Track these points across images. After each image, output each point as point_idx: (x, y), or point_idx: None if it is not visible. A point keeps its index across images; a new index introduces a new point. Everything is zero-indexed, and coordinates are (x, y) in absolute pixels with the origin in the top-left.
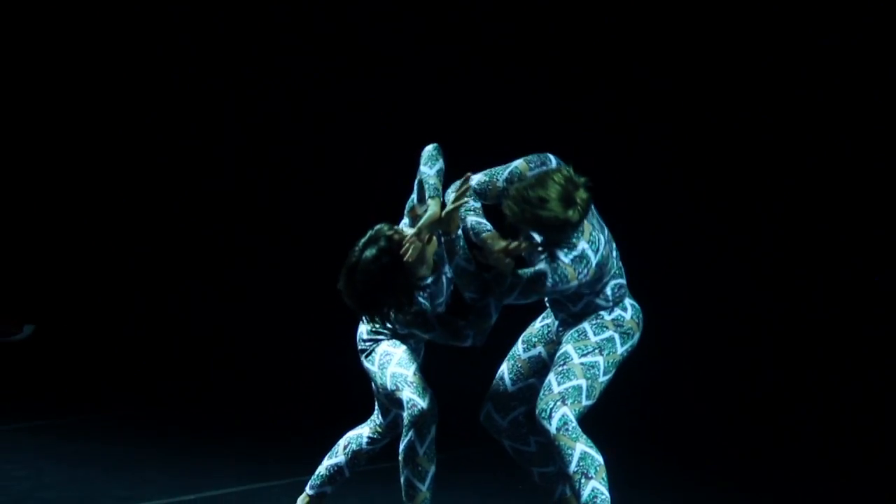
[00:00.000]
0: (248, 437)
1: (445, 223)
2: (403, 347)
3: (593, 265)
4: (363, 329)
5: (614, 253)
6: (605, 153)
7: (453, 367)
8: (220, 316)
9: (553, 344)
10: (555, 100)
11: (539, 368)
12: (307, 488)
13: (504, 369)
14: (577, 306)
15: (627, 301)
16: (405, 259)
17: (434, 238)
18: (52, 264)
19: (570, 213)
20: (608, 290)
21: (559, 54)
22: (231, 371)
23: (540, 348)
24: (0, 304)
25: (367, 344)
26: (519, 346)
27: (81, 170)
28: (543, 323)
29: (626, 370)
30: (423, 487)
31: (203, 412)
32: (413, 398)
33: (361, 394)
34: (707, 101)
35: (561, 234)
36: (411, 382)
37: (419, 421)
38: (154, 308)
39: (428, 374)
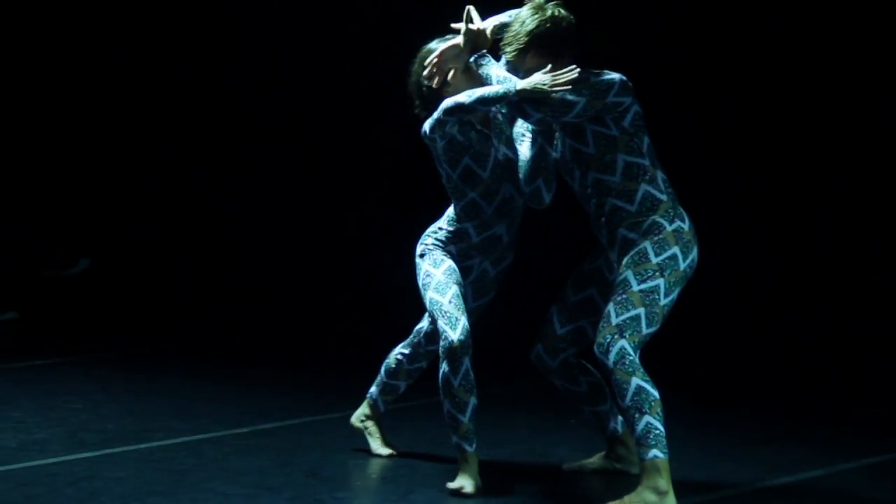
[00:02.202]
0: (302, 369)
1: (474, 38)
2: (444, 266)
3: (623, 77)
4: (422, 238)
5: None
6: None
7: (507, 300)
8: (278, 248)
9: (606, 284)
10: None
11: (589, 310)
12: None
13: (553, 311)
14: (635, 198)
15: (682, 210)
16: (424, 73)
17: (464, 73)
18: (107, 198)
19: (550, 12)
20: (660, 180)
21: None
22: (287, 304)
23: (592, 290)
24: (55, 239)
25: (420, 250)
26: (569, 289)
27: (135, 106)
28: (595, 264)
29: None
30: (465, 419)
31: (258, 345)
32: (445, 329)
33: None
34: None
35: (560, 39)
36: (445, 312)
37: (451, 353)
38: (209, 241)
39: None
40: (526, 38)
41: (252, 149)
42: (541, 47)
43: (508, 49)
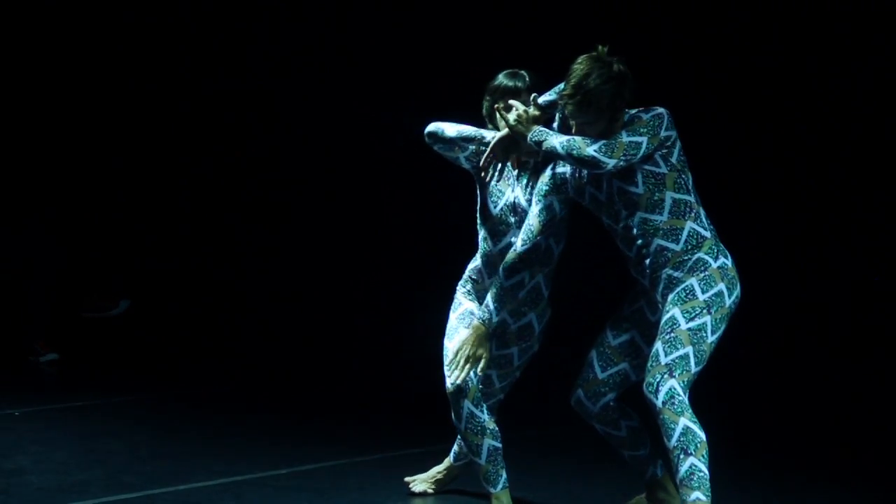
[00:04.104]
0: (338, 412)
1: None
2: (460, 310)
3: (666, 110)
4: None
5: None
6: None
7: (543, 345)
8: (309, 294)
9: (649, 326)
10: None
11: (630, 352)
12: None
13: (593, 355)
14: (681, 237)
15: (723, 246)
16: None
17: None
18: (148, 240)
19: (615, 67)
20: (703, 216)
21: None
22: (324, 345)
23: (633, 333)
24: (96, 280)
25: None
26: (608, 333)
27: (174, 147)
28: (635, 306)
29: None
30: (481, 461)
31: (294, 388)
32: (446, 373)
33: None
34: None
35: (622, 97)
36: (448, 357)
37: (449, 397)
38: (249, 283)
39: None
40: (594, 94)
41: (285, 192)
42: (605, 103)
43: (570, 102)
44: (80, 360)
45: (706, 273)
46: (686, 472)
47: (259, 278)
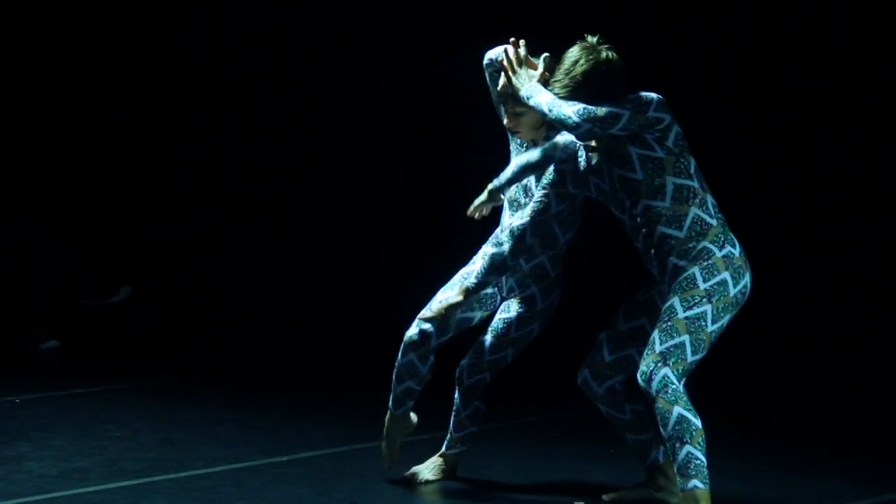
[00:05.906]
0: (339, 399)
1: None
2: (468, 268)
3: (660, 96)
4: None
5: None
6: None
7: (552, 333)
8: (317, 276)
9: (658, 314)
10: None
11: (639, 338)
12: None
13: (603, 338)
14: (684, 223)
15: (732, 235)
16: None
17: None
18: (148, 226)
19: (604, 54)
20: (710, 204)
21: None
22: (324, 332)
23: (643, 320)
24: (96, 267)
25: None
26: (620, 317)
27: (174, 133)
28: (648, 294)
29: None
30: (397, 390)
31: (296, 375)
32: (419, 315)
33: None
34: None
35: (612, 82)
36: (428, 305)
37: (403, 342)
38: (249, 269)
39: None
40: (581, 79)
41: (285, 177)
42: (593, 88)
43: (559, 87)
44: (81, 347)
45: (709, 262)
46: (683, 460)
47: (260, 263)
